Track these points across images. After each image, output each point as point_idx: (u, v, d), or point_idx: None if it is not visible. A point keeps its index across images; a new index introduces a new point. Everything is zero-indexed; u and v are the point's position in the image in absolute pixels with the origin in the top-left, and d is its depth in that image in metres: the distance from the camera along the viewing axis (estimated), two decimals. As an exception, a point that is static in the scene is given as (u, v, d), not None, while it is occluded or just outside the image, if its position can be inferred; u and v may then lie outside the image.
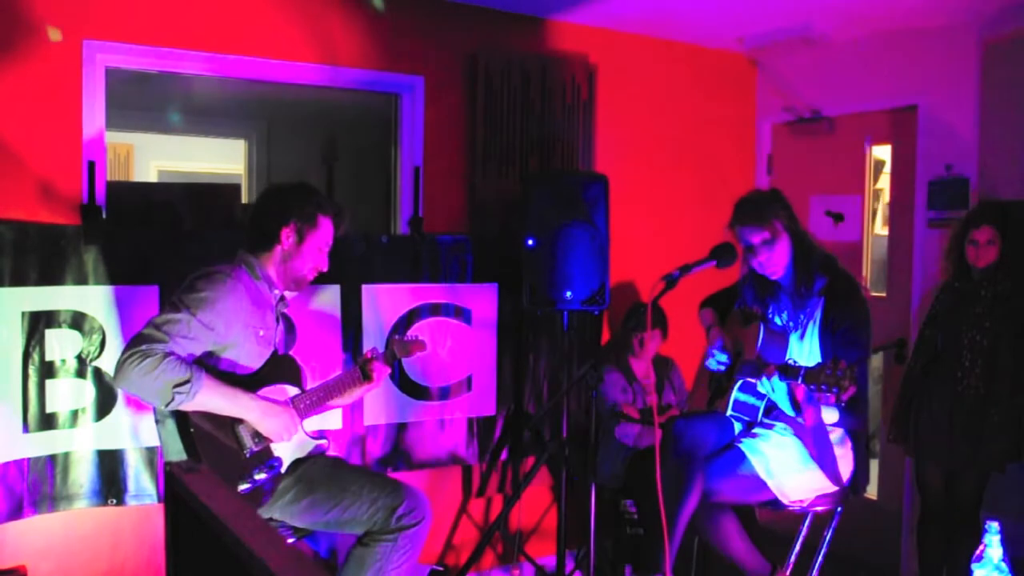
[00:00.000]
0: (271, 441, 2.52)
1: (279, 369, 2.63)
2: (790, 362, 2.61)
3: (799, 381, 2.48)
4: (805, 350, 2.73)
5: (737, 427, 2.89)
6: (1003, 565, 1.76)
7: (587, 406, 3.36)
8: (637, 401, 3.82)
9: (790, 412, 2.72)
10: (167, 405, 2.30)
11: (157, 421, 2.49)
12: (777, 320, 2.84)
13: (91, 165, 3.00)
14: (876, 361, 4.19)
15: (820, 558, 2.86)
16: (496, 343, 3.71)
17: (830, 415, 2.68)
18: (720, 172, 4.53)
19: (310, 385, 2.72)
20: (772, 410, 2.81)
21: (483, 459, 3.75)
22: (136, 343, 2.29)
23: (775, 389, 2.61)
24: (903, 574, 3.93)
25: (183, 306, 2.38)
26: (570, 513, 3.50)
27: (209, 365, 2.44)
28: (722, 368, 2.89)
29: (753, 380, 2.73)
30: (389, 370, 2.87)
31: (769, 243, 2.71)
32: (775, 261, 2.73)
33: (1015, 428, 3.14)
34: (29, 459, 2.86)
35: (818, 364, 2.45)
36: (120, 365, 2.27)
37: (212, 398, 2.36)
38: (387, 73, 3.60)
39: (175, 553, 1.17)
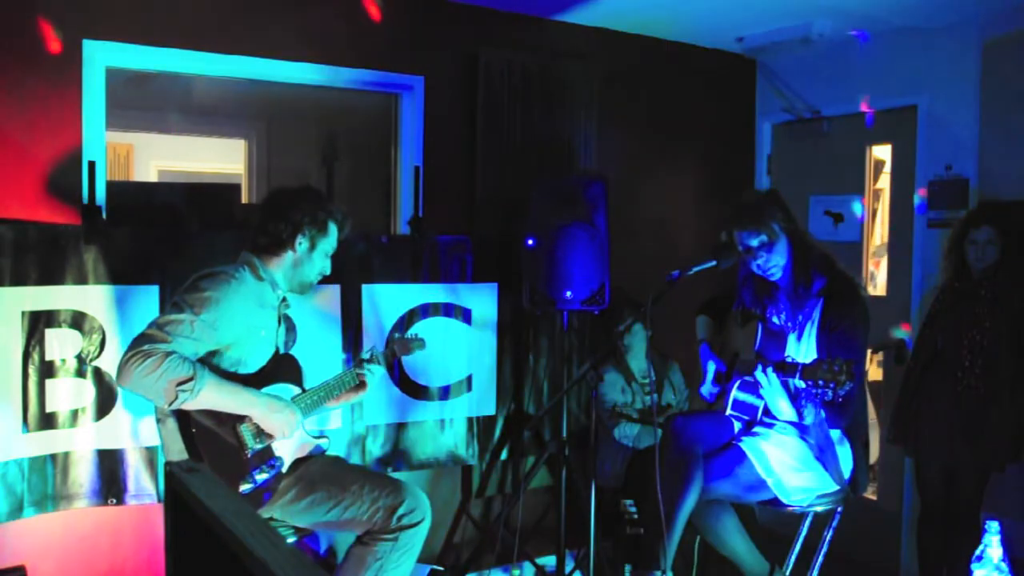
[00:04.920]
0: (273, 440, 2.52)
1: (281, 368, 2.64)
2: (787, 360, 2.61)
3: (796, 377, 2.48)
4: (803, 350, 2.73)
5: (737, 426, 2.89)
6: (1003, 565, 1.76)
7: (587, 406, 3.36)
8: (636, 401, 3.82)
9: (779, 414, 2.73)
10: (171, 404, 2.30)
11: (158, 420, 2.49)
12: (775, 320, 2.84)
13: (91, 165, 3.00)
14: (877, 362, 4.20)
15: (820, 558, 2.86)
16: (496, 343, 3.71)
17: (815, 413, 2.68)
18: (720, 172, 4.53)
19: (310, 385, 2.72)
20: (772, 409, 2.81)
21: (483, 459, 3.75)
22: (139, 343, 2.29)
23: (771, 383, 2.62)
24: (903, 574, 3.93)
25: (186, 306, 2.38)
26: (570, 513, 3.50)
27: (212, 364, 2.44)
28: (714, 397, 2.92)
29: (749, 377, 2.74)
30: (383, 373, 2.87)
31: (767, 245, 2.71)
32: (774, 263, 2.73)
33: (1015, 428, 3.14)
34: (29, 459, 2.86)
35: (815, 360, 2.45)
36: (123, 365, 2.27)
37: (215, 396, 2.37)
38: (387, 73, 3.60)
39: (175, 553, 1.17)
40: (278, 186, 2.79)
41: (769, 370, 2.59)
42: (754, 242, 2.72)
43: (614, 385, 3.81)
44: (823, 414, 2.66)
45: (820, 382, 2.37)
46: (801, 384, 2.48)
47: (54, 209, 2.98)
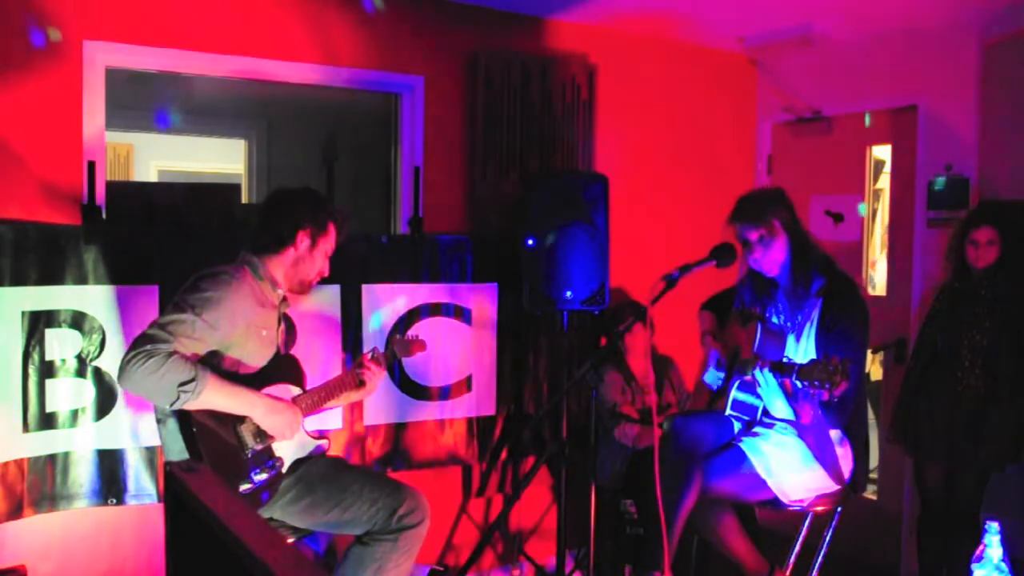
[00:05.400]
0: (273, 441, 2.53)
1: (281, 369, 2.64)
2: (785, 360, 2.61)
3: (793, 377, 2.49)
4: (802, 350, 2.73)
5: (736, 426, 2.89)
6: (1003, 565, 1.76)
7: (587, 406, 3.36)
8: (636, 401, 3.82)
9: (777, 413, 2.73)
10: (172, 404, 2.30)
11: (158, 420, 2.49)
12: (774, 319, 2.84)
13: (91, 165, 3.00)
14: (876, 364, 4.19)
15: (820, 558, 2.86)
16: (496, 343, 3.71)
17: (813, 412, 2.68)
18: (720, 172, 4.53)
19: (310, 385, 2.72)
20: (771, 410, 2.81)
21: (483, 459, 3.75)
22: (141, 343, 2.29)
23: (768, 383, 2.62)
24: (903, 574, 3.93)
25: (187, 306, 2.38)
26: (570, 513, 3.50)
27: (212, 364, 2.44)
28: (720, 384, 2.93)
29: (747, 377, 2.74)
30: (383, 375, 2.87)
31: (765, 240, 2.73)
32: (771, 259, 2.75)
33: (1015, 428, 3.14)
34: (29, 459, 2.86)
35: (811, 360, 2.45)
36: (125, 365, 2.27)
37: (217, 396, 2.37)
38: (387, 73, 3.60)
39: (175, 553, 1.17)
40: (279, 187, 2.80)
41: (766, 370, 2.60)
42: (753, 236, 2.74)
43: (614, 385, 3.81)
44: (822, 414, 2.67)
45: (816, 382, 2.38)
46: (798, 384, 2.49)
47: (54, 209, 2.98)
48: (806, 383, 2.42)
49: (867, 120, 4.18)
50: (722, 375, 2.93)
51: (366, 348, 3.29)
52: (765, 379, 2.62)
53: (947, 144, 3.79)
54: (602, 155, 4.08)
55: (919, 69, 3.90)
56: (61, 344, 2.90)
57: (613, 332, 3.81)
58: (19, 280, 2.81)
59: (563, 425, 3.48)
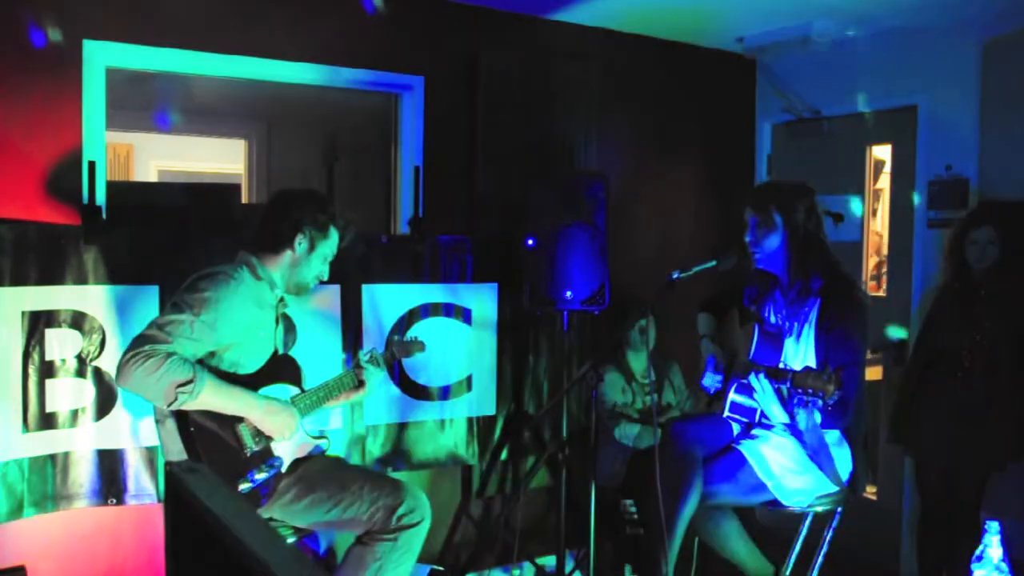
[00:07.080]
0: (272, 440, 2.53)
1: (280, 369, 2.64)
2: (781, 366, 2.61)
3: (787, 385, 2.49)
4: (801, 351, 2.72)
5: (736, 428, 2.89)
6: (1003, 565, 1.76)
7: (587, 406, 3.36)
8: (636, 401, 3.82)
9: (773, 418, 2.73)
10: (170, 405, 2.30)
11: (157, 421, 2.49)
12: (772, 319, 2.84)
13: (91, 165, 3.00)
14: (876, 367, 4.19)
15: (820, 558, 2.86)
16: (496, 343, 3.71)
17: (808, 419, 2.68)
18: (720, 172, 4.53)
19: (309, 385, 2.72)
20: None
21: (483, 459, 3.75)
22: (139, 343, 2.29)
23: (764, 389, 2.62)
24: (903, 574, 3.93)
25: (186, 306, 2.38)
26: (570, 513, 3.50)
27: (211, 365, 2.44)
28: (718, 387, 2.92)
29: (744, 379, 2.74)
30: (382, 375, 2.87)
31: (761, 228, 2.74)
32: (763, 247, 2.76)
33: (1015, 428, 3.14)
34: (29, 459, 2.86)
35: (805, 368, 2.45)
36: (123, 366, 2.27)
37: (215, 397, 2.37)
38: (387, 73, 3.60)
39: (175, 553, 1.17)
40: (283, 188, 2.80)
41: (762, 376, 2.60)
42: (752, 219, 2.76)
43: (614, 385, 3.81)
44: (818, 418, 2.66)
45: (809, 391, 2.38)
46: (792, 391, 2.49)
47: (54, 209, 2.98)
48: (799, 391, 2.42)
49: (867, 120, 4.18)
50: (720, 378, 2.93)
51: (365, 348, 3.29)
52: (761, 385, 2.62)
53: (947, 144, 3.79)
54: (602, 155, 4.08)
55: (919, 69, 3.90)
56: (61, 344, 2.89)
57: (619, 330, 3.81)
58: (19, 280, 2.81)
59: (563, 425, 3.49)
